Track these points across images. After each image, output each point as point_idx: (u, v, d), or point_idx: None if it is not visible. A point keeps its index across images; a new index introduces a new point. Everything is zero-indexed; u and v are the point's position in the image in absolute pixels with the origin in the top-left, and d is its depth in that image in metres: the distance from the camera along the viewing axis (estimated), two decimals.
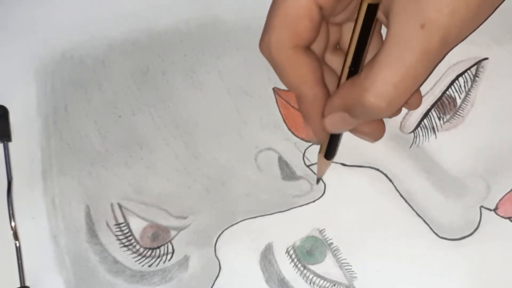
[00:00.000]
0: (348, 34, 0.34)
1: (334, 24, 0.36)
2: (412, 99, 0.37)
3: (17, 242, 0.39)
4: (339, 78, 0.34)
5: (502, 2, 0.35)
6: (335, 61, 0.37)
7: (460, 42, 0.33)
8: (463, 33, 0.32)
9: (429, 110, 0.39)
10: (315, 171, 0.39)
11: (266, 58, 0.35)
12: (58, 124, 0.41)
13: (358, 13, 0.32)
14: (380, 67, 0.31)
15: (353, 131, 0.37)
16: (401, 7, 0.30)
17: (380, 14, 0.34)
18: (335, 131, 0.35)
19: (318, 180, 0.39)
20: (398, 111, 0.38)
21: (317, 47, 0.35)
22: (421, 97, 0.38)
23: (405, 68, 0.30)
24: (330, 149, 0.37)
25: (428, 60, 0.31)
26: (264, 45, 0.34)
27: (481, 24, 0.34)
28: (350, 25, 0.34)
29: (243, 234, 0.39)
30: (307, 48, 0.34)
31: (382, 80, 0.31)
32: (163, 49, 0.42)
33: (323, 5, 0.33)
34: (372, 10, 0.31)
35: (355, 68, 0.33)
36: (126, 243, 0.39)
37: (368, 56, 0.33)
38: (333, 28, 0.36)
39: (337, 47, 0.38)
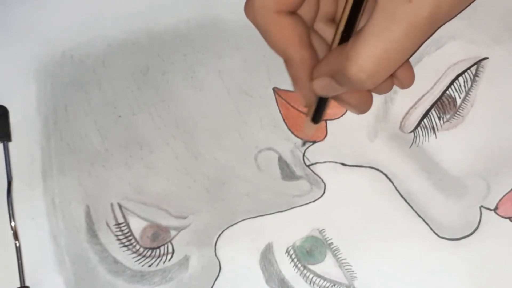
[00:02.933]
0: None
1: None
2: (404, 76, 0.37)
3: (17, 242, 0.39)
4: (331, 44, 0.34)
5: None
6: (329, 32, 0.37)
7: (449, 20, 0.32)
8: (453, 11, 0.31)
9: (429, 110, 0.39)
10: (315, 171, 0.39)
11: (251, 21, 0.35)
12: (58, 124, 0.41)
13: None
14: (365, 39, 0.30)
15: (340, 101, 0.37)
16: None
17: None
18: (322, 94, 0.35)
19: (303, 142, 0.39)
20: (387, 88, 0.38)
21: (305, 14, 0.35)
22: (413, 75, 0.38)
23: (390, 42, 0.30)
24: (317, 112, 0.37)
25: (414, 35, 0.30)
26: (249, 9, 0.34)
27: (470, 4, 0.33)
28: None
29: (243, 234, 0.39)
30: (293, 13, 0.34)
31: (366, 52, 0.30)
32: (163, 49, 0.42)
33: None
34: None
35: (347, 34, 0.33)
36: (126, 243, 0.39)
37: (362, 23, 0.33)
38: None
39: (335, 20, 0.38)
